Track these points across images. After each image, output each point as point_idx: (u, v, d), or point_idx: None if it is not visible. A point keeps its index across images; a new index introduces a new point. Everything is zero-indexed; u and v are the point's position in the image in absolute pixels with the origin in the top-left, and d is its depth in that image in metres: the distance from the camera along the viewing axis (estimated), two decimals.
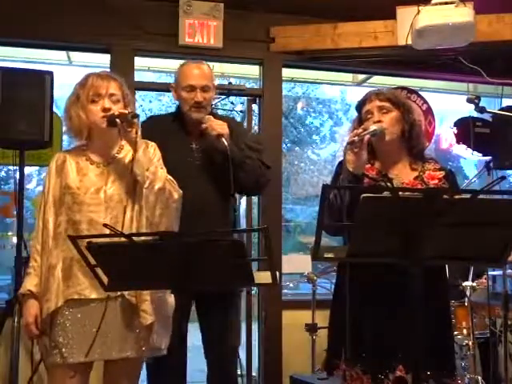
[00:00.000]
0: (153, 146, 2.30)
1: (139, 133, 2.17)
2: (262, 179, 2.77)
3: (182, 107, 2.72)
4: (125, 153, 2.27)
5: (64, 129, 2.31)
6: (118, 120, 2.15)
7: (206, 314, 2.68)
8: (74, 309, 2.13)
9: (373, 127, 2.13)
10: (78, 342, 2.09)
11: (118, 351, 2.12)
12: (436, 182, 2.19)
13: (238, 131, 2.74)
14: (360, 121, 2.27)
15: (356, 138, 2.07)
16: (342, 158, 2.26)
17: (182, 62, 2.83)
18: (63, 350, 2.09)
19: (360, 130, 2.11)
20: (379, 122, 2.18)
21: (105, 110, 2.18)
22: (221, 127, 2.57)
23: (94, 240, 1.69)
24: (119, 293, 2.12)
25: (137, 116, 2.18)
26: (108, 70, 3.93)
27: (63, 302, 2.11)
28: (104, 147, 2.27)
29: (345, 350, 2.11)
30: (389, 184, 1.75)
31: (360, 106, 2.29)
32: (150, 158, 2.21)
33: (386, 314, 2.07)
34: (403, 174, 2.22)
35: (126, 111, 2.17)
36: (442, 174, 2.22)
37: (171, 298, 2.24)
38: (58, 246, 2.16)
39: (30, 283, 2.17)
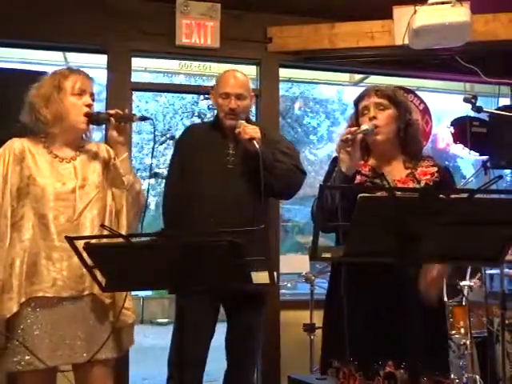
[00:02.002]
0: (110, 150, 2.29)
1: (129, 134, 2.21)
2: (293, 184, 2.83)
3: (218, 113, 2.85)
4: (87, 151, 2.24)
5: (31, 117, 2.17)
6: (112, 119, 2.15)
7: (235, 313, 2.77)
8: (40, 309, 2.03)
9: (364, 126, 2.14)
10: (47, 345, 2.00)
11: (88, 353, 2.03)
12: (428, 177, 2.19)
13: (271, 137, 2.85)
14: (357, 116, 2.27)
15: (349, 136, 2.08)
16: (334, 156, 2.27)
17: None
18: (31, 354, 1.97)
19: (353, 129, 2.11)
20: (374, 118, 2.19)
21: (88, 105, 2.17)
22: (253, 131, 2.66)
23: (92, 241, 1.68)
24: (87, 291, 2.06)
25: (148, 118, 2.20)
26: (105, 70, 3.94)
27: (25, 299, 2.01)
28: (69, 142, 2.21)
29: (338, 348, 2.12)
30: (385, 183, 1.75)
31: (358, 101, 2.28)
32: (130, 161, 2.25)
33: (376, 311, 2.07)
34: (396, 172, 2.22)
35: (121, 112, 2.18)
36: (434, 169, 2.22)
37: None
38: (21, 239, 2.05)
39: None
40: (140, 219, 2.28)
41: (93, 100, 2.21)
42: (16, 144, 2.17)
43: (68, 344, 2.04)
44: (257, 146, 2.61)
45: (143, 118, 2.22)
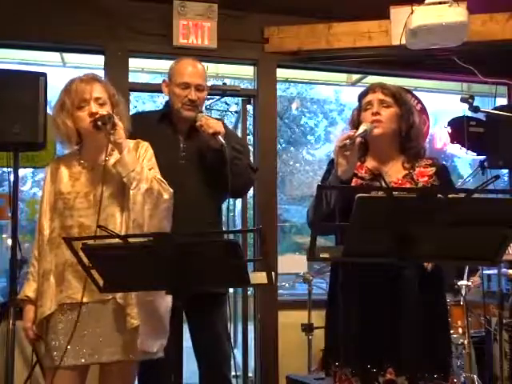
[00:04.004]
0: (143, 146, 2.30)
1: (122, 133, 2.17)
2: (248, 182, 2.78)
3: (173, 104, 2.67)
4: (115, 156, 2.24)
5: (55, 137, 2.33)
6: (99, 122, 2.14)
7: (195, 316, 2.65)
8: (67, 313, 2.15)
9: (363, 127, 2.12)
10: (73, 345, 2.09)
11: (108, 354, 2.13)
12: (426, 179, 2.17)
13: (227, 133, 2.70)
14: (359, 111, 2.26)
15: (348, 142, 2.04)
16: (332, 157, 2.26)
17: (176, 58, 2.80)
18: (55, 353, 2.10)
19: (352, 133, 2.08)
20: (377, 113, 2.18)
21: (92, 114, 2.17)
22: (217, 125, 2.54)
23: (89, 242, 1.68)
24: (111, 296, 2.12)
25: (111, 116, 2.16)
26: (102, 71, 3.94)
27: (56, 306, 2.14)
28: (94, 151, 2.26)
29: (336, 351, 2.11)
30: (383, 183, 1.74)
31: (362, 96, 2.27)
32: (135, 158, 2.20)
33: (377, 315, 2.06)
34: (393, 172, 2.20)
35: (104, 113, 2.16)
36: (432, 170, 2.20)
37: (166, 300, 2.22)
38: (51, 251, 2.19)
39: (29, 289, 2.22)
40: (166, 213, 2.24)
41: (101, 103, 2.20)
42: (52, 163, 2.34)
43: (92, 344, 2.12)
44: (222, 140, 2.49)
45: (110, 116, 2.16)
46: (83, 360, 2.12)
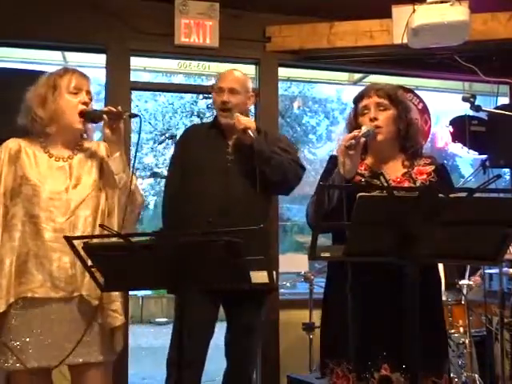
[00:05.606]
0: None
1: (122, 134, 2.18)
2: (290, 176, 2.76)
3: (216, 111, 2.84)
4: (85, 150, 2.23)
5: (27, 118, 2.17)
6: (105, 116, 2.14)
7: (235, 313, 2.76)
8: (29, 309, 2.02)
9: (365, 128, 2.12)
10: (35, 345, 1.99)
11: (76, 355, 2.02)
12: (424, 176, 2.18)
13: (272, 136, 2.88)
14: (355, 114, 2.26)
15: (353, 142, 2.05)
16: (331, 154, 2.27)
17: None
18: (19, 354, 1.97)
19: (356, 133, 2.09)
20: (375, 118, 2.17)
21: (84, 103, 2.16)
22: (247, 121, 2.67)
23: (90, 241, 1.68)
24: (76, 293, 2.04)
25: (136, 116, 2.19)
26: (103, 70, 3.94)
27: (14, 299, 2.00)
28: (66, 142, 2.20)
29: (332, 348, 2.12)
30: (384, 182, 1.74)
31: (357, 100, 2.27)
32: (126, 160, 2.21)
33: (373, 312, 2.06)
34: (392, 171, 2.20)
35: (114, 109, 2.16)
36: (431, 168, 2.20)
37: None
38: (11, 239, 2.04)
39: None
40: (137, 219, 2.27)
41: (90, 98, 2.20)
42: (12, 144, 2.16)
43: (57, 345, 2.02)
44: (251, 134, 2.60)
45: (132, 116, 2.21)
46: (48, 362, 2.00)
